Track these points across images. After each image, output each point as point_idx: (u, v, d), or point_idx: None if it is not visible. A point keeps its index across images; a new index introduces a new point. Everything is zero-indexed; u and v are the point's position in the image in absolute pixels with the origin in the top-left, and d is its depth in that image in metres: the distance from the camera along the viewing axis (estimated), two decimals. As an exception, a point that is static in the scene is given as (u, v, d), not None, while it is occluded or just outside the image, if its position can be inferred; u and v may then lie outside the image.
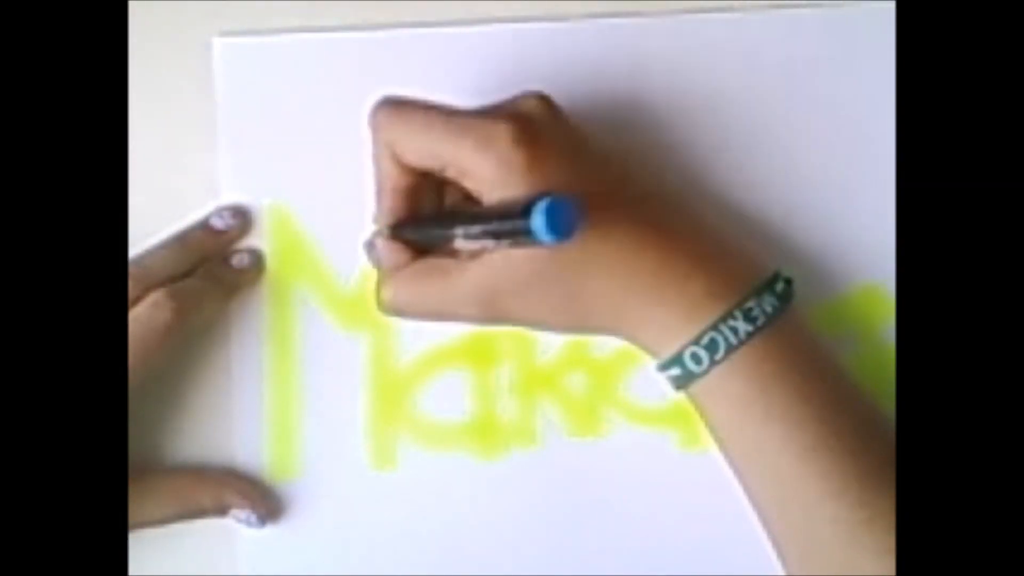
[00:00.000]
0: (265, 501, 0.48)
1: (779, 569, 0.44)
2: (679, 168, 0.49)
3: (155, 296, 0.45)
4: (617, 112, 0.49)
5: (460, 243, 0.43)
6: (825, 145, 0.49)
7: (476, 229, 0.41)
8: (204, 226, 0.48)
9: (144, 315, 0.45)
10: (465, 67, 0.49)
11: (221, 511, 0.48)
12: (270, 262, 0.49)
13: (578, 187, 0.41)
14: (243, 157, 0.49)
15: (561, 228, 0.37)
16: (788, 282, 0.45)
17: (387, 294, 0.46)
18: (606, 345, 0.48)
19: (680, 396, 0.45)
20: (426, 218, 0.45)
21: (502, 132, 0.42)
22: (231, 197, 0.49)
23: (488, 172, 0.42)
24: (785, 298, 0.44)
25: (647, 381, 0.47)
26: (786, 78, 0.49)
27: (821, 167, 0.49)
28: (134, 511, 0.46)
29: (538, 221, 0.37)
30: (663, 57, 0.49)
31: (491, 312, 0.44)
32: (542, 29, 0.49)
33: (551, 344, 0.49)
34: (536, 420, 0.49)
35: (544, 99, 0.44)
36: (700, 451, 0.48)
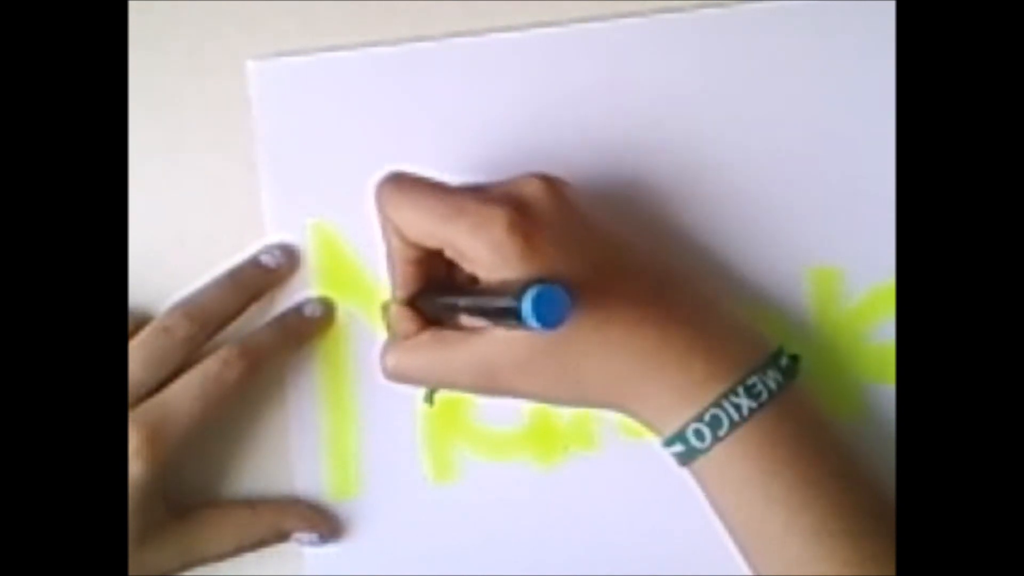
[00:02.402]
0: (326, 520, 0.48)
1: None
2: (678, 167, 0.49)
3: (225, 353, 0.46)
4: (624, 111, 0.49)
5: (464, 318, 0.44)
6: (825, 145, 0.49)
7: (475, 308, 0.43)
8: (254, 263, 0.48)
9: (213, 371, 0.46)
10: (501, 76, 0.49)
11: (282, 538, 0.48)
12: (317, 281, 0.49)
13: (575, 271, 0.42)
14: (284, 178, 0.49)
15: (550, 316, 0.38)
16: (793, 358, 0.45)
17: (390, 361, 0.46)
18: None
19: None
20: (435, 291, 0.46)
21: (497, 218, 0.42)
22: (274, 219, 0.49)
23: (483, 256, 0.42)
24: (789, 374, 0.44)
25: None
26: (785, 77, 0.49)
27: (821, 166, 0.49)
28: (192, 547, 0.46)
29: (527, 309, 0.38)
30: (662, 56, 0.49)
31: (491, 385, 0.44)
32: (572, 34, 0.49)
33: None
34: (593, 423, 0.49)
35: (547, 181, 0.44)
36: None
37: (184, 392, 0.45)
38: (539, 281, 0.38)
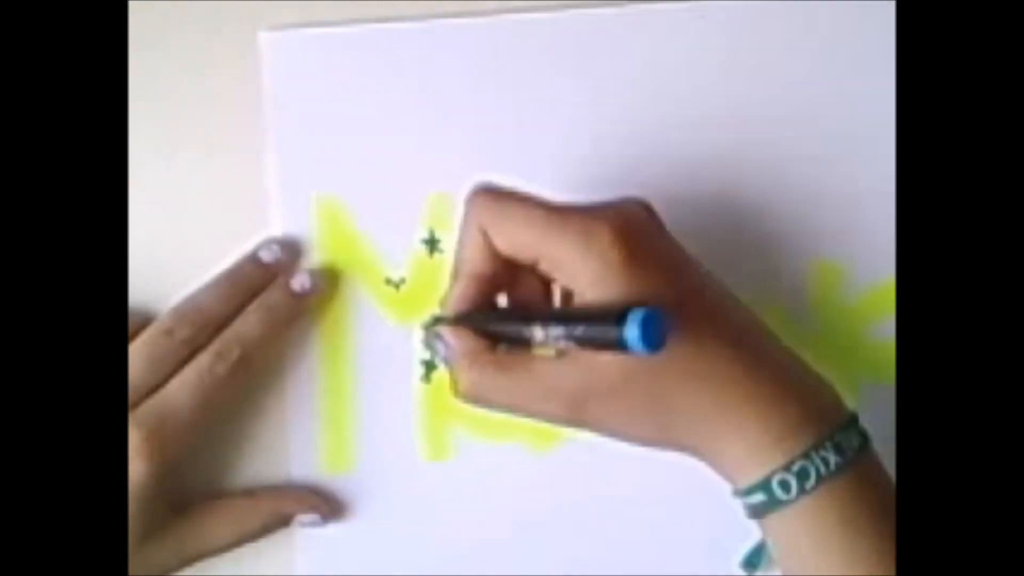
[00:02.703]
0: (325, 500, 0.48)
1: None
2: (672, 168, 0.49)
3: (218, 346, 0.46)
4: (627, 104, 0.49)
5: (539, 339, 0.41)
6: (832, 141, 0.49)
7: (558, 330, 0.40)
8: (253, 260, 0.48)
9: (208, 365, 0.46)
10: (511, 56, 0.49)
11: (283, 523, 0.48)
12: (320, 254, 0.49)
13: (673, 296, 0.41)
14: (291, 150, 0.49)
15: (654, 339, 0.37)
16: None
17: (469, 379, 0.43)
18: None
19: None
20: (501, 310, 0.44)
21: (604, 230, 0.41)
22: (280, 191, 0.49)
23: (585, 268, 0.41)
24: (865, 435, 0.43)
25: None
26: (790, 73, 0.49)
27: (829, 163, 0.49)
28: (194, 542, 0.46)
29: (632, 331, 0.37)
30: (667, 50, 0.49)
31: (574, 413, 0.42)
32: (580, 19, 0.49)
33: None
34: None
35: (646, 206, 0.43)
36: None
37: (181, 389, 0.45)
38: (638, 303, 0.37)
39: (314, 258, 0.49)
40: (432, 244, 0.49)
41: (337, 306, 0.49)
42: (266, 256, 0.48)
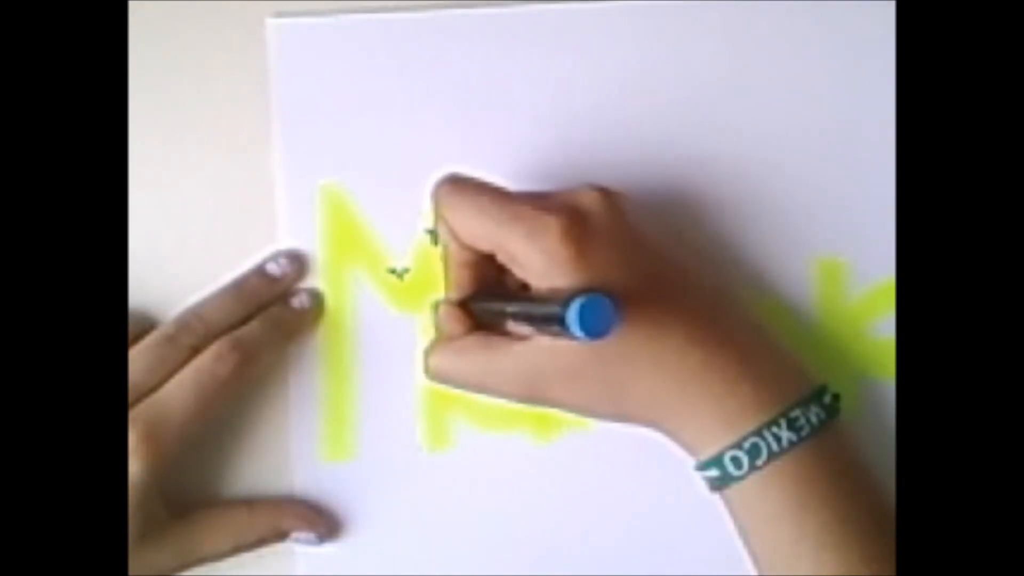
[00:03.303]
0: (324, 520, 0.48)
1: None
2: (674, 164, 0.49)
3: (217, 347, 0.46)
4: (632, 99, 0.49)
5: (510, 324, 0.44)
6: (825, 144, 0.49)
7: (521, 314, 0.42)
8: (260, 273, 0.48)
9: (207, 366, 0.46)
10: (519, 48, 0.49)
11: (280, 537, 0.48)
12: (324, 243, 0.49)
13: (626, 284, 0.42)
14: (297, 138, 0.49)
15: (595, 327, 0.38)
16: (835, 396, 0.45)
17: (433, 361, 0.47)
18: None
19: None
20: (485, 295, 0.46)
21: (552, 225, 0.42)
22: (286, 178, 0.49)
23: (535, 263, 0.42)
24: (831, 412, 0.44)
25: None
26: (785, 76, 0.49)
27: (835, 159, 0.49)
28: (191, 547, 0.46)
29: (572, 317, 0.38)
30: (672, 46, 0.49)
31: (531, 393, 0.44)
32: (588, 12, 0.49)
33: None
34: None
35: (604, 193, 0.44)
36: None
37: (179, 389, 0.45)
38: (587, 291, 0.38)
39: (319, 245, 0.49)
40: (436, 234, 0.49)
41: (340, 294, 0.49)
42: (273, 269, 0.48)
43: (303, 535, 0.48)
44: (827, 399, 0.44)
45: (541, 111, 0.49)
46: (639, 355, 0.43)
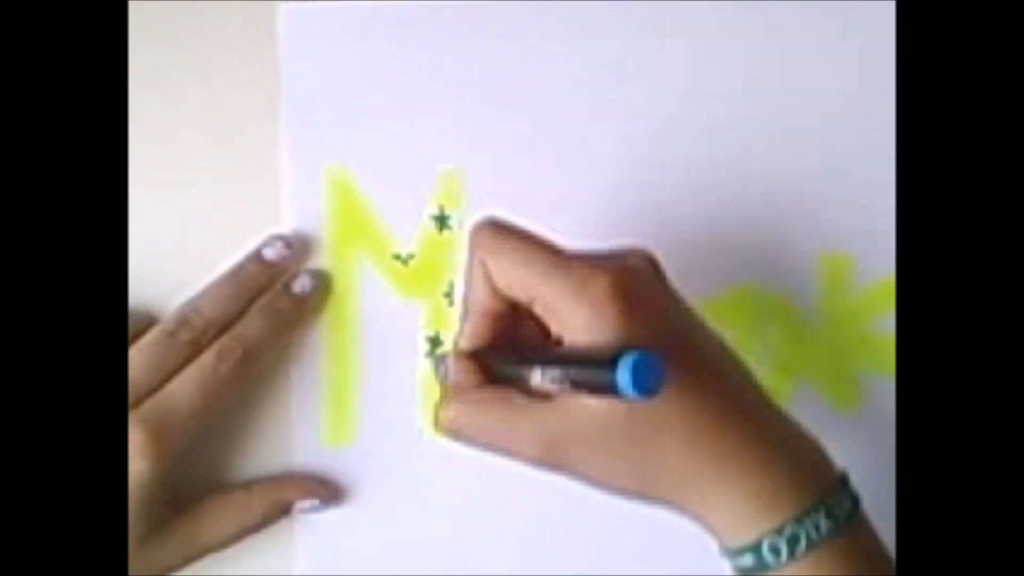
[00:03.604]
0: (324, 486, 0.48)
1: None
2: (679, 160, 0.49)
3: (220, 345, 0.46)
4: (638, 95, 0.49)
5: (536, 381, 0.41)
6: (830, 140, 0.49)
7: (556, 371, 0.40)
8: (257, 259, 0.48)
9: (210, 364, 0.45)
10: (528, 35, 0.49)
11: (284, 512, 0.48)
12: (328, 227, 0.49)
13: (667, 346, 0.39)
14: (304, 121, 0.49)
15: (647, 384, 0.36)
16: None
17: (448, 414, 0.43)
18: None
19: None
20: (505, 347, 0.43)
21: (602, 282, 0.40)
22: (291, 162, 0.49)
23: (579, 319, 0.40)
24: (855, 497, 0.42)
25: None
26: (788, 73, 0.49)
27: (825, 162, 0.49)
28: (195, 539, 0.46)
29: (623, 374, 0.36)
30: (660, 45, 0.49)
31: (551, 457, 0.41)
32: (593, 8, 0.49)
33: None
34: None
35: (650, 259, 0.43)
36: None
37: (183, 388, 0.45)
38: (634, 348, 0.37)
39: (323, 229, 0.49)
40: (442, 221, 0.49)
41: (344, 280, 0.49)
42: (270, 254, 0.48)
43: (306, 503, 0.48)
44: (852, 487, 0.42)
45: (546, 101, 0.49)
46: (674, 426, 0.40)
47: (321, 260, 0.49)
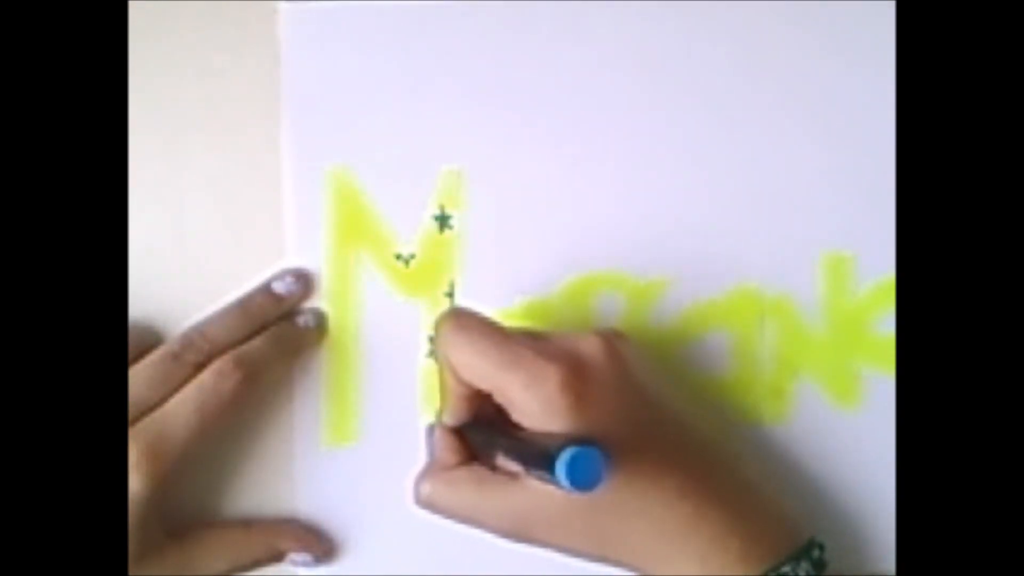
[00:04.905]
0: (320, 541, 0.48)
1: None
2: (681, 159, 0.49)
3: (220, 364, 0.46)
4: (640, 93, 0.49)
5: (500, 460, 0.45)
6: (831, 138, 0.49)
7: (513, 454, 0.43)
8: (266, 291, 0.48)
9: (209, 383, 0.45)
10: (532, 36, 0.49)
11: (277, 558, 0.48)
12: (330, 227, 0.49)
13: (621, 435, 0.42)
14: (305, 121, 0.49)
15: (583, 479, 0.38)
16: (821, 547, 0.44)
17: (424, 490, 0.47)
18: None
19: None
20: (480, 426, 0.46)
21: (552, 375, 0.42)
22: (293, 162, 0.49)
23: (532, 410, 0.42)
24: (820, 565, 0.43)
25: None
26: (789, 72, 0.49)
27: (827, 160, 0.49)
28: (188, 567, 0.46)
29: (560, 469, 0.37)
30: (659, 45, 0.49)
31: (517, 533, 0.44)
32: (594, 8, 0.49)
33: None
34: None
35: (607, 339, 0.44)
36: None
37: (181, 406, 0.45)
38: (579, 441, 0.38)
39: (325, 229, 0.49)
40: (443, 221, 0.49)
41: (345, 278, 0.49)
42: (279, 288, 0.48)
43: (300, 556, 0.48)
44: (816, 554, 0.44)
45: (546, 101, 0.49)
46: (629, 506, 0.42)
47: (323, 260, 0.49)
